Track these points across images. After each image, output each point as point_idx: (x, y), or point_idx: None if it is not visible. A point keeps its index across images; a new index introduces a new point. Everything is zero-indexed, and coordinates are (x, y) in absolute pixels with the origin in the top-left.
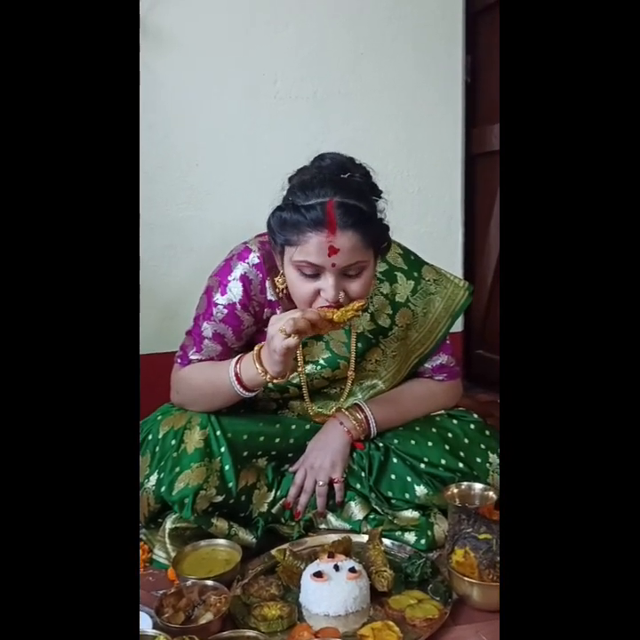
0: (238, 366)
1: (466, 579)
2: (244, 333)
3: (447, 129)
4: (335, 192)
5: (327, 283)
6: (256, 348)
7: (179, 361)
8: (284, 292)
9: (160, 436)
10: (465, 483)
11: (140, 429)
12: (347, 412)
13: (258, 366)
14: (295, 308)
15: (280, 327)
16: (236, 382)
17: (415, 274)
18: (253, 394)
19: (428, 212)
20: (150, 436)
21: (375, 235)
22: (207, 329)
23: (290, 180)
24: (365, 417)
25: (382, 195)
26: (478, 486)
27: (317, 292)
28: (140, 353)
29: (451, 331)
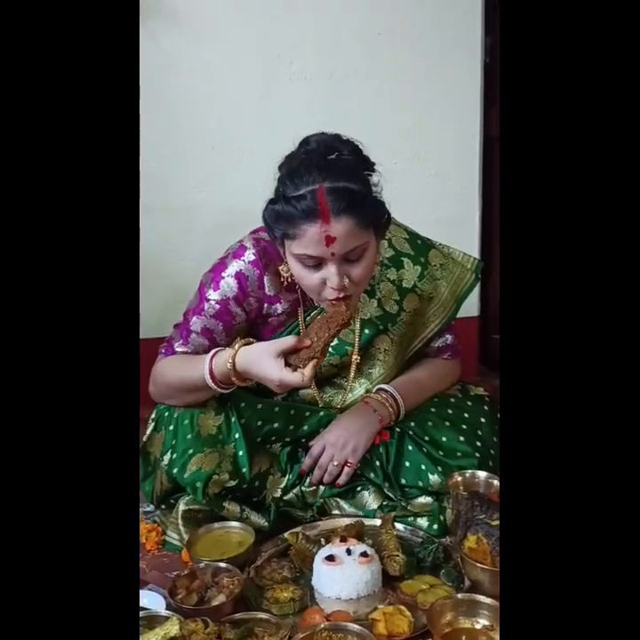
0: (213, 362)
1: (478, 565)
2: (235, 329)
3: (466, 111)
4: (324, 177)
5: (330, 271)
6: (236, 347)
7: (163, 351)
8: (289, 280)
9: (175, 415)
10: (469, 471)
11: (158, 405)
12: (380, 398)
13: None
14: (296, 300)
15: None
16: (209, 377)
17: (422, 259)
18: (228, 390)
19: (445, 195)
20: (166, 413)
21: (371, 215)
22: (196, 323)
23: (279, 168)
24: (397, 403)
25: (375, 167)
26: (482, 474)
27: (324, 282)
28: (155, 336)
29: (469, 315)
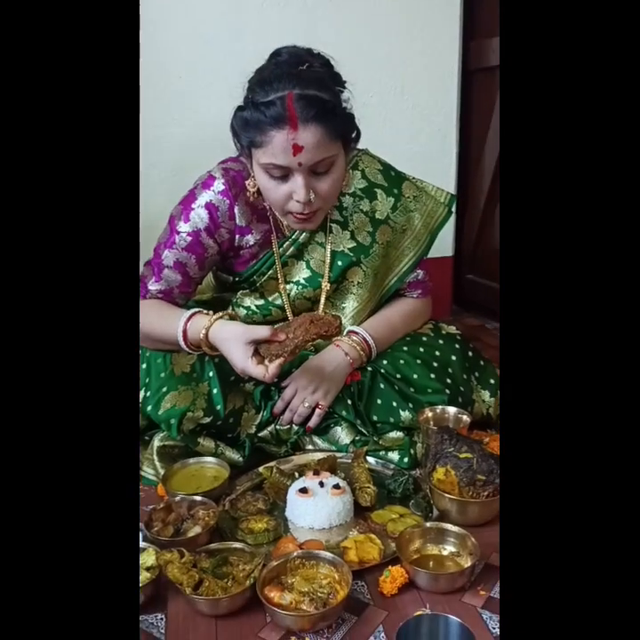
0: (188, 324)
1: (446, 495)
2: (207, 262)
3: (444, 43)
4: (294, 85)
5: (296, 183)
6: (212, 319)
7: None
8: (255, 195)
9: (148, 354)
10: (439, 406)
11: None
12: (351, 342)
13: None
14: (268, 229)
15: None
16: (182, 338)
17: (395, 190)
18: (198, 352)
19: (422, 129)
20: (139, 351)
21: (340, 126)
22: (168, 257)
23: (249, 81)
24: (368, 346)
25: (346, 85)
26: (452, 410)
27: (290, 196)
28: None
29: (443, 255)
